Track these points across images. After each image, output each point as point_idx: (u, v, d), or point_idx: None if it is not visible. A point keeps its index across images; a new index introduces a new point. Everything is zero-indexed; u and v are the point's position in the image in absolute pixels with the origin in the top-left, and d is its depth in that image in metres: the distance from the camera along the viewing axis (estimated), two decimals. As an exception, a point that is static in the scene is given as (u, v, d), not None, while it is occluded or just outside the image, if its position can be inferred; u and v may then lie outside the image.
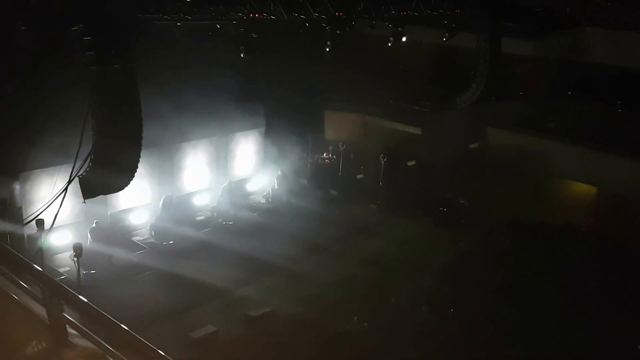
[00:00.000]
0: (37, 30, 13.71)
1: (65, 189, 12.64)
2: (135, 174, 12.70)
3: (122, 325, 5.97)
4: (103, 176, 12.16)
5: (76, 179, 12.33)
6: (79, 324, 6.63)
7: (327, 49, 16.50)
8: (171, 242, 15.61)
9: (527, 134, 21.19)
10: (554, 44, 21.58)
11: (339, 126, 22.72)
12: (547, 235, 16.78)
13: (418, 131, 21.62)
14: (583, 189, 20.51)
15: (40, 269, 7.93)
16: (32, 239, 13.15)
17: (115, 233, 15.43)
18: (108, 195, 14.51)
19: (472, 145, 21.10)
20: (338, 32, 16.23)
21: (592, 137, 19.77)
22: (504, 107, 21.64)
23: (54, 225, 12.98)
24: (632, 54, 19.91)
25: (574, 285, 14.25)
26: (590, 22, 21.48)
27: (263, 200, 18.91)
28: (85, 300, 6.58)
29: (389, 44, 17.33)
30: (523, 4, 21.79)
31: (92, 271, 13.67)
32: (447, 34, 18.65)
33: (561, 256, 15.63)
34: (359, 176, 20.00)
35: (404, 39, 17.44)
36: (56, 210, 12.77)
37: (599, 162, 19.23)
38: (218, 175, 18.43)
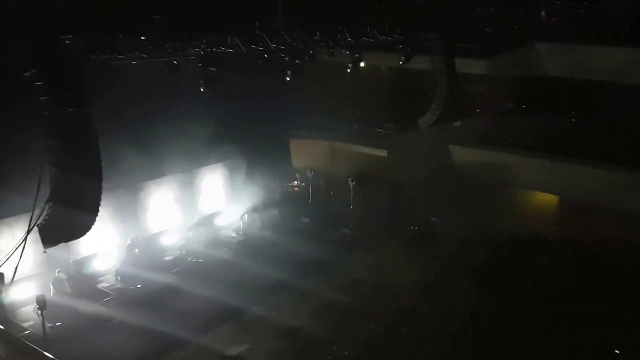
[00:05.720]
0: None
1: (25, 239, 12.20)
2: (98, 218, 12.34)
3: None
4: (63, 222, 11.79)
5: (35, 227, 11.91)
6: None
7: (288, 79, 16.57)
8: (139, 285, 15.04)
9: (488, 149, 21.69)
10: (506, 61, 22.44)
11: (305, 154, 22.74)
12: (516, 246, 17.06)
13: (384, 153, 21.83)
14: (546, 198, 21.05)
15: (2, 327, 7.56)
16: (-7, 295, 12.57)
17: (80, 281, 14.77)
18: (70, 243, 13.98)
19: (437, 164, 21.40)
20: (297, 61, 16.35)
21: (549, 147, 20.40)
22: (464, 125, 22.15)
23: (15, 278, 12.48)
24: (580, 65, 20.85)
25: (547, 293, 14.47)
26: (538, 38, 22.43)
27: (234, 234, 18.58)
28: (52, 356, 6.29)
29: (348, 70, 17.52)
30: (473, 26, 22.62)
31: (57, 323, 13.00)
32: (403, 58, 19.01)
33: (532, 266, 15.89)
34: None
35: (362, 64, 17.68)
36: (16, 262, 12.27)
37: (558, 171, 19.83)
38: (185, 213, 18.07)
